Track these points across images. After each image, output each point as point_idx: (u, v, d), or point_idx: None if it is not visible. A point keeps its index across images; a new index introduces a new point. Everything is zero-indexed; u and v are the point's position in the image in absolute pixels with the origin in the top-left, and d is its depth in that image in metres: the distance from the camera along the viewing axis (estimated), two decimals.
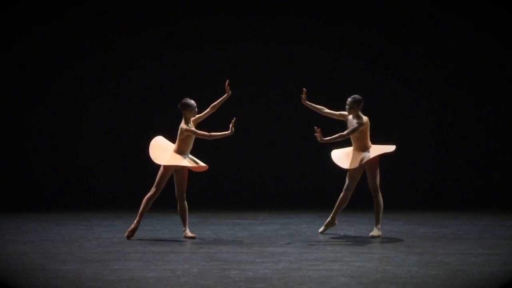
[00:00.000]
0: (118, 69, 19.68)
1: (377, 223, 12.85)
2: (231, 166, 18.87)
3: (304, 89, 13.10)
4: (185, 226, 12.91)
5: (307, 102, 13.13)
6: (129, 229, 12.63)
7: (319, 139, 12.71)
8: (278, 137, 19.34)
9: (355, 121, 12.78)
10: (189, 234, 12.83)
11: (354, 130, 12.69)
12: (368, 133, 12.86)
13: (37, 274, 9.69)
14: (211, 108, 13.15)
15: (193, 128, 12.76)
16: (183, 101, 12.88)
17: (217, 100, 13.14)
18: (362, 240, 12.57)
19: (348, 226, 14.03)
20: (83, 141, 19.15)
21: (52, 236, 13.19)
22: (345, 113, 12.97)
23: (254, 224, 14.67)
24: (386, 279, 9.33)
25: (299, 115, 19.06)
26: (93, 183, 17.95)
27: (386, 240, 12.51)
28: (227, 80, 13.10)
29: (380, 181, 12.89)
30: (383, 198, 12.86)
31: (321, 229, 13.33)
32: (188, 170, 12.89)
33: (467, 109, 19.49)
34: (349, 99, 12.90)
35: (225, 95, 13.08)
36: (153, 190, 12.68)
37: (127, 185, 18.26)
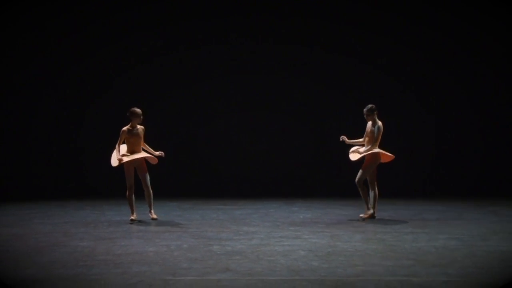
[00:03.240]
0: (119, 66, 18.66)
1: (370, 207, 12.81)
2: (213, 163, 18.54)
3: (343, 138, 12.89)
4: (150, 210, 12.85)
5: (349, 141, 12.95)
6: (131, 218, 12.60)
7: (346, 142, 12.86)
8: (254, 138, 18.68)
9: (372, 127, 12.65)
10: (154, 216, 12.81)
11: (377, 138, 12.58)
12: (380, 137, 12.67)
13: (60, 249, 9.68)
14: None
15: (121, 134, 12.53)
16: (131, 109, 12.62)
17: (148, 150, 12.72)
18: (317, 222, 12.57)
19: (307, 211, 14.03)
20: (93, 137, 18.18)
21: (72, 218, 13.16)
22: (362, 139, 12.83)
23: (233, 209, 14.65)
24: (336, 252, 9.37)
25: (278, 115, 18.65)
26: (105, 176, 17.59)
27: (336, 221, 12.53)
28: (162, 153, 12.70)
29: (375, 177, 12.77)
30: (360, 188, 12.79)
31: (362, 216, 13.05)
32: (147, 163, 12.66)
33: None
34: (364, 110, 12.70)
35: (156, 154, 12.68)
36: (127, 187, 12.59)
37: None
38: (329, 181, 17.80)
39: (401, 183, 17.95)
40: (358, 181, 12.69)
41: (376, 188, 12.80)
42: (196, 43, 18.78)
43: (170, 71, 18.78)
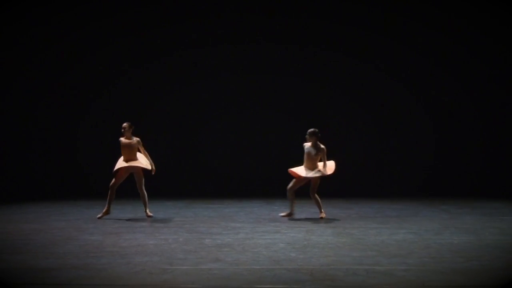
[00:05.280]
0: (119, 67, 18.01)
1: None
2: (205, 166, 18.27)
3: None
4: (146, 209, 12.71)
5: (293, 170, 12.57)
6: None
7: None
8: (243, 141, 18.17)
9: (314, 149, 12.34)
10: (149, 214, 12.72)
11: (325, 158, 12.32)
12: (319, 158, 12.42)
13: (73, 242, 9.65)
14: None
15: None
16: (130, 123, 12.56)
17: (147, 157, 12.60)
18: (294, 219, 12.57)
19: (286, 209, 14.03)
20: (101, 140, 17.47)
21: (83, 215, 13.10)
22: (305, 144, 12.48)
23: (221, 208, 14.62)
24: (311, 244, 9.39)
25: (267, 117, 18.10)
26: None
27: (311, 219, 12.53)
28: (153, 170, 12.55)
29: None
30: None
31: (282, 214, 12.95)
32: (143, 170, 12.52)
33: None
34: (308, 132, 12.40)
35: (148, 168, 12.52)
36: (113, 182, 12.52)
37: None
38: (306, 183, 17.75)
39: (367, 184, 17.94)
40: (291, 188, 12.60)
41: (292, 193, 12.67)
42: (196, 43, 18.21)
43: (169, 72, 18.25)
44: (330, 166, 12.46)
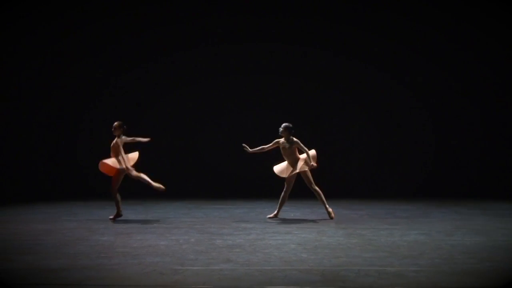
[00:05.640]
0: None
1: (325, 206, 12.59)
2: (214, 166, 18.17)
3: (243, 145, 12.50)
4: (151, 183, 12.42)
5: (251, 150, 12.54)
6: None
7: (248, 151, 12.50)
8: (254, 141, 18.18)
9: (287, 143, 12.33)
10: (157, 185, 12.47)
11: (304, 147, 12.22)
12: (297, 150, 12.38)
13: (84, 243, 9.66)
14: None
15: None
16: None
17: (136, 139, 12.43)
18: (305, 219, 12.56)
19: (297, 210, 14.02)
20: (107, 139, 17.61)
21: (94, 216, 13.12)
22: (279, 140, 12.45)
23: (232, 208, 14.63)
24: (322, 245, 9.36)
25: (278, 115, 17.95)
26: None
27: (322, 220, 12.50)
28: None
29: (313, 179, 12.46)
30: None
31: (269, 216, 12.80)
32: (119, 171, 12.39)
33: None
34: (282, 126, 12.34)
35: (146, 140, 12.44)
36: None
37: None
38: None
39: (374, 186, 17.92)
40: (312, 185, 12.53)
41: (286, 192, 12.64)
42: (196, 43, 18.14)
43: (170, 72, 18.20)
44: (313, 155, 12.38)
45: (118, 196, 12.50)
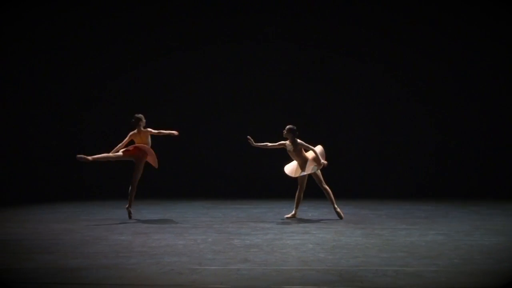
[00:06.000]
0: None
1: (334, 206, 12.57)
2: (235, 167, 18.27)
3: (248, 137, 12.42)
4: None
5: (254, 144, 12.45)
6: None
7: (252, 144, 12.43)
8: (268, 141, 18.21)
9: (292, 145, 12.24)
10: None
11: (309, 147, 12.19)
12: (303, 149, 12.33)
13: (102, 242, 9.69)
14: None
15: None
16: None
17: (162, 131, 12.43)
18: (323, 219, 12.54)
19: (315, 210, 14.00)
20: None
21: (112, 216, 13.17)
22: (284, 142, 12.37)
23: (250, 208, 14.63)
24: (340, 245, 9.34)
25: (285, 118, 18.27)
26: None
27: (339, 220, 12.46)
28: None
29: (323, 178, 12.45)
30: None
31: (287, 216, 12.77)
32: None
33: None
34: (286, 128, 12.24)
35: (173, 132, 12.48)
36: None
37: (168, 179, 16.97)
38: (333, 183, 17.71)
39: (393, 185, 17.86)
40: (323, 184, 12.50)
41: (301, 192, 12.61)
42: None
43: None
44: (321, 152, 12.33)
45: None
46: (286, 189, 16.43)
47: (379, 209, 14.25)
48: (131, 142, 12.46)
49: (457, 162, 18.07)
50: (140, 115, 12.48)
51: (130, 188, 12.48)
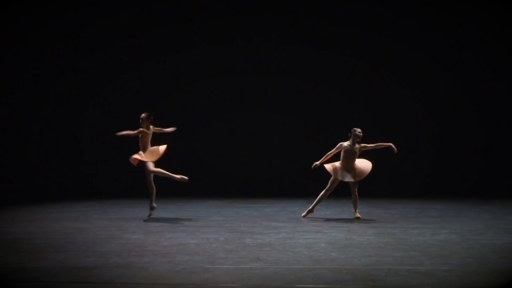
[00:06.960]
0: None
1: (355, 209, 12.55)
2: (248, 166, 18.19)
3: (315, 164, 12.41)
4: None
5: (319, 162, 12.42)
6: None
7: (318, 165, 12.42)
8: (281, 141, 18.21)
9: (351, 147, 12.29)
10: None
11: (372, 145, 12.36)
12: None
13: (115, 241, 9.70)
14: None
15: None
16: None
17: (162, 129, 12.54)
18: (335, 218, 12.53)
19: (327, 209, 13.99)
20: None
21: (125, 215, 13.19)
22: (342, 143, 12.35)
23: (263, 207, 14.63)
24: (352, 244, 9.33)
25: (300, 117, 18.04)
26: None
27: (352, 219, 12.46)
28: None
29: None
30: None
31: (303, 214, 12.82)
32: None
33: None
34: (353, 130, 12.32)
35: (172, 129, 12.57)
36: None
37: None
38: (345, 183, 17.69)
39: (405, 184, 17.82)
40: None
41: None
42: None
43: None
44: (367, 166, 12.38)
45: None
46: (299, 189, 16.49)
47: (391, 208, 14.22)
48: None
49: (470, 161, 18.00)
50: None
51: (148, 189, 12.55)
